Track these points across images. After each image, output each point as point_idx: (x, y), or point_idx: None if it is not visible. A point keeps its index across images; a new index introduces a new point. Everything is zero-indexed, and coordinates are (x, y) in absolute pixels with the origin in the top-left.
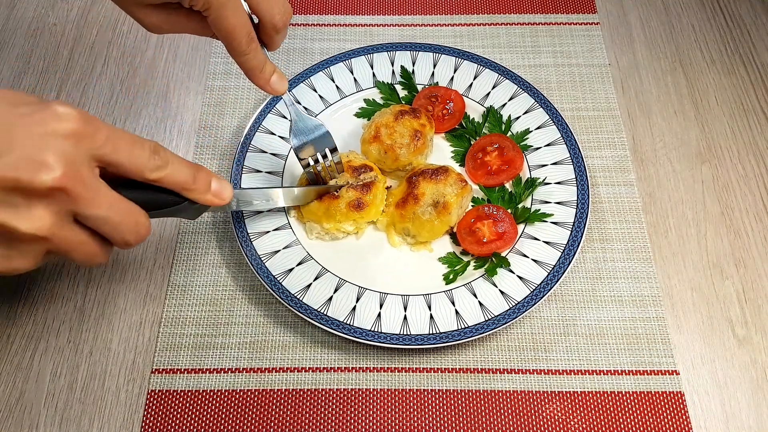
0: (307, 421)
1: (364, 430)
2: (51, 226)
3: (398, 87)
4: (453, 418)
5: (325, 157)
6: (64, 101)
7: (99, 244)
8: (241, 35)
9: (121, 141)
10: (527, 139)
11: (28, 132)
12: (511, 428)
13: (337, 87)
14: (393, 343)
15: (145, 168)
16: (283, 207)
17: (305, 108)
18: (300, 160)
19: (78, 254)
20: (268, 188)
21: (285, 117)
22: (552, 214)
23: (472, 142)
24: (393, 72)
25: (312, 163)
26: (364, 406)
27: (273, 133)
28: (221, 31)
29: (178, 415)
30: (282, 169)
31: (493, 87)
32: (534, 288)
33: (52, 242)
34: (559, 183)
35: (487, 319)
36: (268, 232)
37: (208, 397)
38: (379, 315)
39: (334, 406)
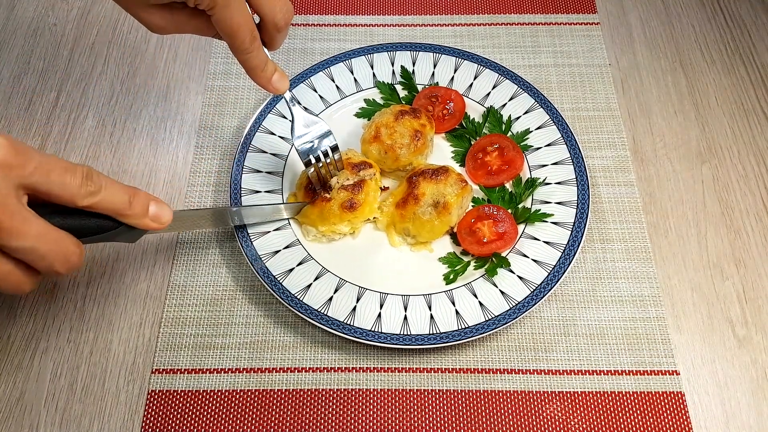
0: (307, 421)
1: (363, 430)
2: None
3: (398, 87)
4: (453, 418)
5: (326, 155)
6: None
7: (26, 273)
8: (244, 33)
9: (52, 169)
10: (527, 139)
11: None
12: (511, 428)
13: (337, 87)
14: (393, 343)
15: (77, 194)
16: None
17: (305, 108)
18: (302, 158)
19: (3, 284)
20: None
21: (285, 117)
22: (552, 214)
23: (472, 142)
24: (393, 72)
25: (313, 161)
26: (363, 407)
27: (273, 133)
28: (225, 29)
29: (178, 415)
30: (282, 169)
31: (494, 87)
32: (534, 288)
33: None
34: (559, 183)
35: (487, 319)
36: (269, 232)
37: (208, 397)
38: (379, 315)
39: (334, 406)
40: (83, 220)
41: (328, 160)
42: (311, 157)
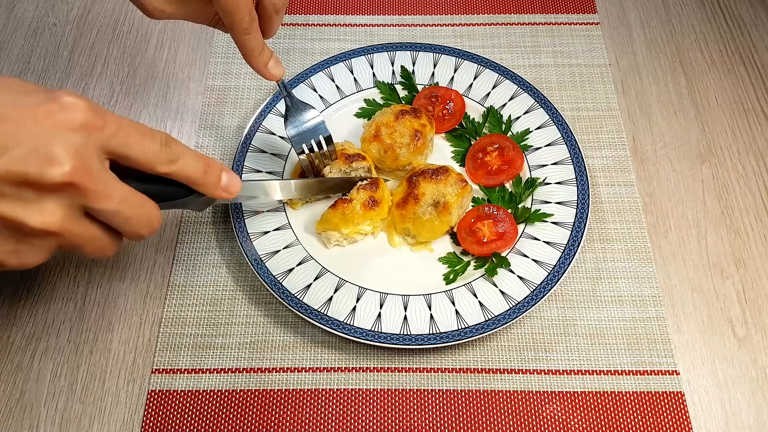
0: (307, 421)
1: (364, 430)
2: (62, 221)
3: (398, 87)
4: (453, 418)
5: (320, 146)
6: (71, 91)
7: (110, 236)
8: (244, 12)
9: (132, 133)
10: (527, 139)
11: (36, 124)
12: (511, 428)
13: (337, 87)
14: (393, 343)
15: (156, 161)
16: (285, 210)
17: (299, 99)
18: (294, 147)
19: (89, 248)
20: (266, 181)
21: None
22: (552, 214)
23: (472, 142)
24: (393, 72)
25: (306, 151)
26: (364, 406)
27: (273, 133)
28: (225, 7)
29: (178, 415)
30: (282, 169)
31: (494, 87)
32: (534, 288)
33: (63, 237)
34: (559, 183)
35: (487, 319)
36: (268, 232)
37: (208, 397)
38: (379, 315)
39: (334, 406)
40: (158, 186)
41: (322, 150)
42: (304, 146)
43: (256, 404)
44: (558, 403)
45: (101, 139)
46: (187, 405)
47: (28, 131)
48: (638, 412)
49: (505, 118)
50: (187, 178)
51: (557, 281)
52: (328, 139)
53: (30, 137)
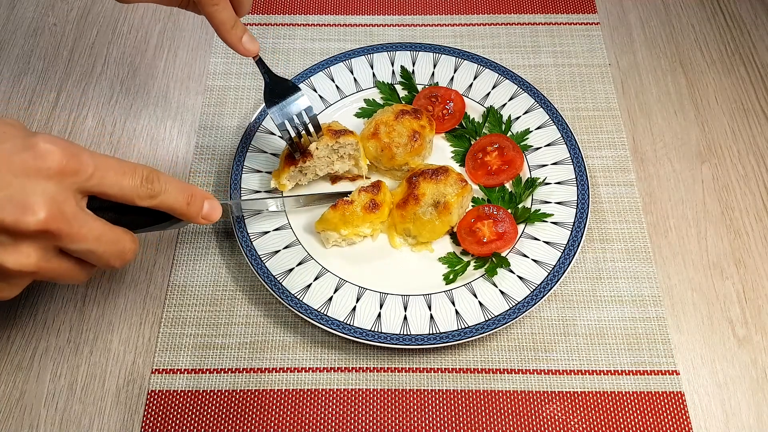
0: (307, 421)
1: (364, 430)
2: (37, 261)
3: (398, 87)
4: (453, 418)
5: (304, 125)
6: (48, 136)
7: (82, 268)
8: None
9: (109, 173)
10: (527, 139)
11: (12, 172)
12: (511, 428)
13: (337, 87)
14: (393, 343)
15: (135, 196)
16: (284, 210)
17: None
18: (276, 123)
19: (62, 280)
20: (268, 198)
21: None
22: (552, 214)
23: (472, 142)
24: (393, 72)
25: (290, 128)
26: (364, 406)
27: (273, 133)
28: None
29: (178, 416)
30: None
31: (493, 87)
32: (534, 288)
33: (38, 274)
34: (559, 183)
35: (487, 319)
36: (268, 232)
37: (208, 397)
38: (379, 315)
39: (334, 406)
40: (138, 216)
41: (306, 123)
42: (285, 121)
43: (256, 404)
44: (558, 403)
45: (77, 182)
46: (187, 405)
47: (4, 179)
48: (638, 412)
49: (505, 118)
50: (169, 208)
51: (557, 281)
52: (311, 115)
53: (5, 185)
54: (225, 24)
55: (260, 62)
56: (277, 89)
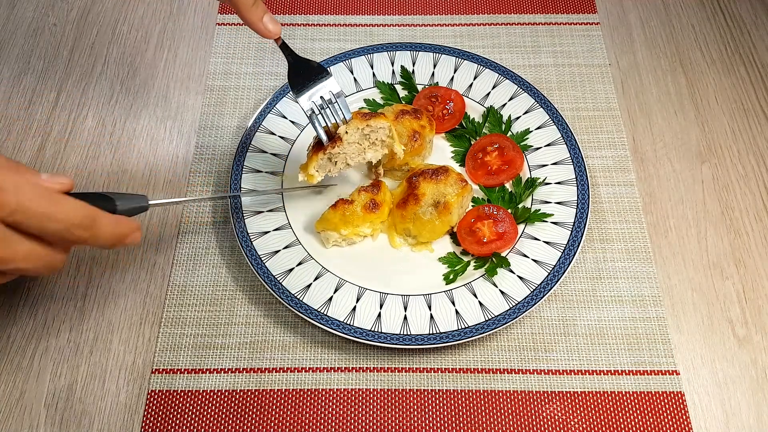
0: (307, 421)
1: (364, 430)
2: None
3: (398, 87)
4: (453, 418)
5: (330, 103)
6: None
7: (11, 277)
8: None
9: (31, 214)
10: (527, 139)
11: None
12: (511, 428)
13: None
14: (393, 343)
15: (58, 239)
16: (285, 210)
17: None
18: (303, 109)
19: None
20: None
21: (285, 117)
22: (552, 214)
23: (472, 142)
24: (393, 72)
25: (317, 111)
26: (364, 406)
27: (273, 133)
28: None
29: (178, 416)
30: (282, 169)
31: (493, 87)
32: (534, 288)
33: None
34: (559, 183)
35: (487, 319)
36: (268, 232)
37: (208, 397)
38: (379, 315)
39: (334, 406)
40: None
41: (334, 106)
42: (312, 103)
43: (256, 404)
44: (558, 403)
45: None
46: (187, 405)
47: None
48: (638, 412)
49: (505, 118)
50: (98, 247)
51: (557, 281)
52: (339, 95)
53: None
54: (246, 3)
55: (284, 46)
56: (302, 70)
